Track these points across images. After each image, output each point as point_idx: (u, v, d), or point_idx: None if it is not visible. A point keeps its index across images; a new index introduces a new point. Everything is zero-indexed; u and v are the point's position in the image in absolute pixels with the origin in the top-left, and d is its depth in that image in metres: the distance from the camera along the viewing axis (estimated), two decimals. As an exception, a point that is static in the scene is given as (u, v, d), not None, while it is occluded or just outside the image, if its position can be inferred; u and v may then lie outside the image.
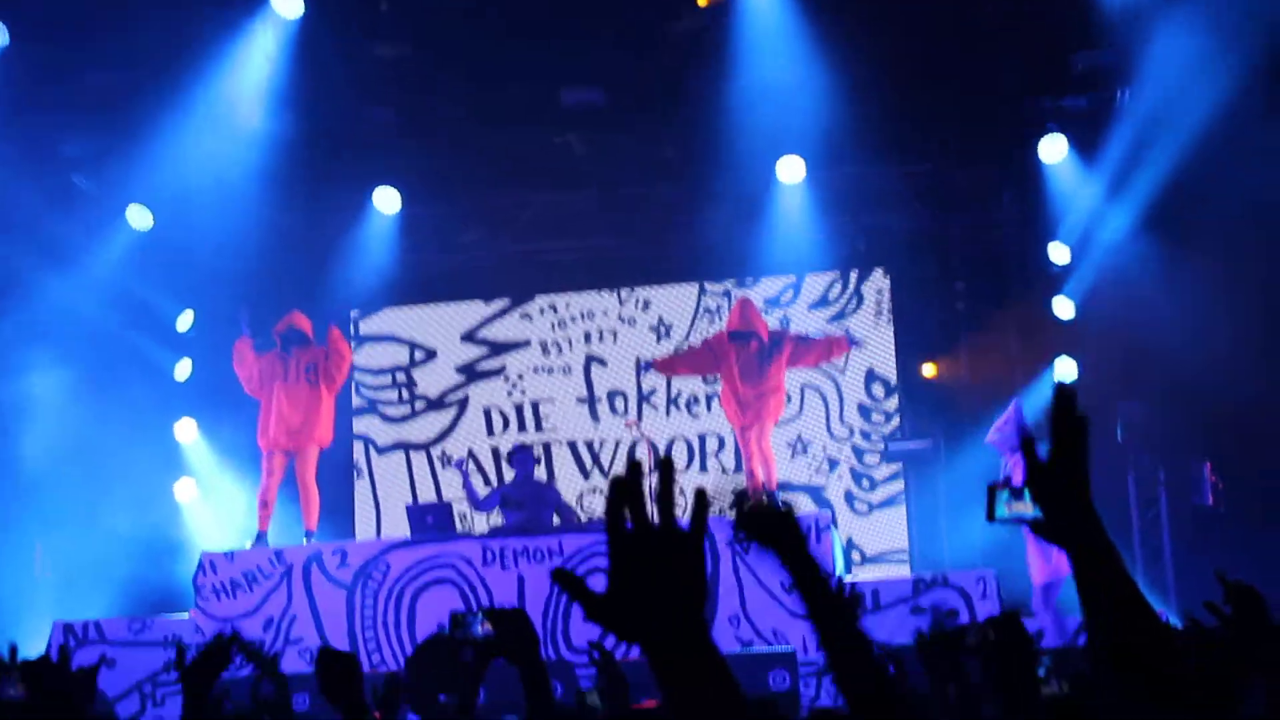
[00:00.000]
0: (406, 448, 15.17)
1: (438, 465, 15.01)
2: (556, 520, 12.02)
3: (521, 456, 12.57)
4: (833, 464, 14.46)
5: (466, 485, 12.54)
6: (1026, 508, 2.96)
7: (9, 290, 12.75)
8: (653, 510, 1.82)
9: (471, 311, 15.16)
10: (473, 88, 12.74)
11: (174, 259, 13.72)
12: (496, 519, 12.75)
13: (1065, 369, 13.07)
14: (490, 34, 12.19)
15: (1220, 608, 3.86)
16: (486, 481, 14.69)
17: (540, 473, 13.99)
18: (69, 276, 12.99)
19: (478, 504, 12.54)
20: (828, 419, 14.53)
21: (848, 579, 11.55)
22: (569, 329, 14.92)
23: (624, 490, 1.81)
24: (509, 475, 13.51)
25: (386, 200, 14.01)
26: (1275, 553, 10.70)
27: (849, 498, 14.40)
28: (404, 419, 15.25)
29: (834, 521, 13.03)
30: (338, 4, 12.31)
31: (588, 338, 14.88)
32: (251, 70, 12.44)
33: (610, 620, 1.81)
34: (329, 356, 12.63)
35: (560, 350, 14.92)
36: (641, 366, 13.31)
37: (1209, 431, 12.51)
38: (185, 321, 14.20)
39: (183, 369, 14.22)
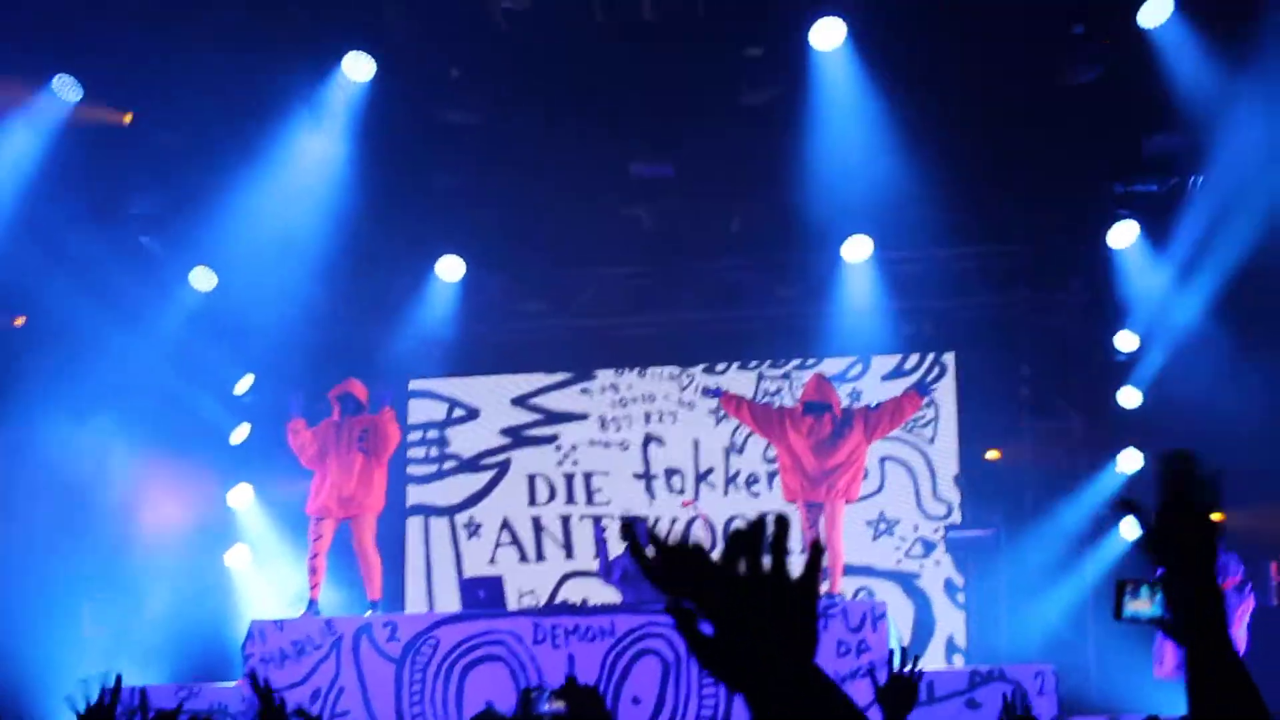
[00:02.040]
0: (427, 511, 14.80)
1: (461, 534, 14.67)
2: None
3: (637, 529, 12.05)
4: (928, 546, 13.63)
5: (602, 551, 12.02)
6: (1148, 605, 2.86)
7: (76, 347, 12.74)
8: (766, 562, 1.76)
9: (527, 380, 14.92)
10: (541, 158, 12.69)
11: (237, 322, 13.73)
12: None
13: (1130, 460, 12.82)
14: (560, 104, 12.18)
15: None
16: (523, 558, 14.48)
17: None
18: (133, 336, 12.96)
19: (605, 574, 11.93)
20: (917, 494, 13.75)
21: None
22: (629, 408, 14.63)
23: (743, 541, 1.75)
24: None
25: (450, 268, 13.98)
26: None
27: (949, 587, 13.53)
28: (427, 479, 14.89)
29: (926, 608, 12.66)
30: (408, 69, 12.33)
31: (648, 418, 14.60)
32: (320, 133, 12.46)
33: (716, 664, 1.73)
34: (377, 431, 12.45)
35: (619, 427, 14.63)
36: (710, 392, 12.85)
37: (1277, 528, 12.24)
38: (244, 385, 14.18)
39: (239, 433, 14.17)
